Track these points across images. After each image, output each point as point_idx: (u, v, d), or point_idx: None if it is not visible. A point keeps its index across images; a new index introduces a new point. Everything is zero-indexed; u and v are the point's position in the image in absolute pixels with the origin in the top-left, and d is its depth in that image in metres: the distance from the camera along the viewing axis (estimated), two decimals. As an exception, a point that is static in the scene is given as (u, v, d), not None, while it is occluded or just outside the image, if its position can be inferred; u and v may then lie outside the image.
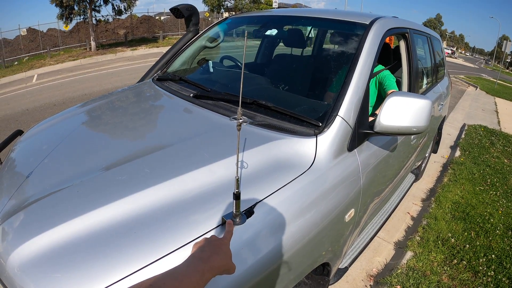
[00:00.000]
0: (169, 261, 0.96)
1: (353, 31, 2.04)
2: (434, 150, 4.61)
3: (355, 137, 1.62)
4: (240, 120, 0.86)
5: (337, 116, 1.56)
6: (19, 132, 2.02)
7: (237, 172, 0.92)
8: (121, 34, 24.32)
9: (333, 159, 1.49)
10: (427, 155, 4.15)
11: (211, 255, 0.76)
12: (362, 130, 1.66)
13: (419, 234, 3.00)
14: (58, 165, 1.44)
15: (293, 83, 2.18)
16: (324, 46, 2.95)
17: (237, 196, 1.01)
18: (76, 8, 19.14)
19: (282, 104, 1.69)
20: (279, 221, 1.20)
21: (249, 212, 1.12)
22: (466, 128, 6.74)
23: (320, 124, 1.54)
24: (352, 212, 1.60)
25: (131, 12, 22.90)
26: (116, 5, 20.91)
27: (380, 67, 2.75)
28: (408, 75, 2.46)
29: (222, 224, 1.07)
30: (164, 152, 1.42)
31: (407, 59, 2.45)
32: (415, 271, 2.52)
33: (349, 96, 1.62)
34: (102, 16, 21.75)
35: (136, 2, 21.51)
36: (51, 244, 1.01)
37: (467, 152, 5.21)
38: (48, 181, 1.32)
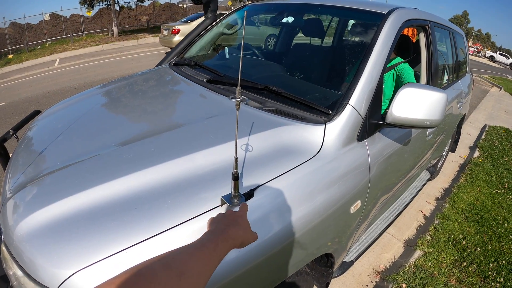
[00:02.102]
0: (173, 234, 0.99)
1: (370, 21, 1.99)
2: (452, 149, 4.51)
3: (365, 127, 1.59)
4: (239, 99, 0.85)
5: (348, 105, 1.53)
6: (37, 112, 2.07)
7: (236, 152, 0.91)
8: (144, 21, 24.54)
9: (341, 147, 1.47)
10: (444, 153, 4.06)
11: (226, 227, 0.74)
12: (374, 121, 1.63)
13: (430, 233, 2.95)
14: (71, 143, 1.48)
15: (306, 71, 2.16)
16: (340, 35, 2.90)
17: (235, 177, 1.00)
18: (98, -6, 19.42)
19: (294, 91, 1.68)
20: (281, 206, 1.19)
21: (249, 195, 1.12)
22: (487, 129, 6.56)
23: (330, 112, 1.52)
24: (358, 203, 1.58)
25: (153, -1, 23.10)
26: (138, -9, 21.13)
27: (398, 59, 2.69)
28: (426, 69, 2.40)
29: (221, 204, 1.07)
30: (172, 133, 1.43)
31: (426, 53, 2.39)
32: (423, 271, 2.48)
33: (361, 85, 1.58)
34: (125, 2, 22.00)
35: (159, -11, 21.71)
36: (57, 216, 1.04)
37: (486, 154, 5.08)
38: (59, 157, 1.36)
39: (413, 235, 3.05)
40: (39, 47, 19.88)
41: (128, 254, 0.93)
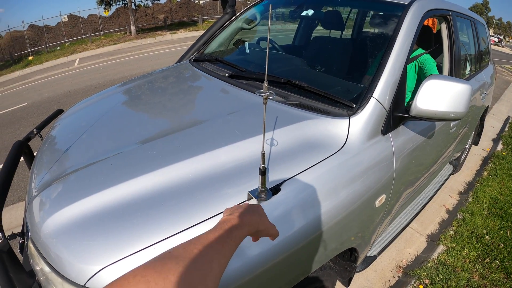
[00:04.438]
0: (199, 230, 0.99)
1: (391, 12, 1.95)
2: (475, 142, 4.40)
3: (389, 120, 1.57)
4: (266, 94, 0.85)
5: (372, 98, 1.51)
6: (60, 111, 2.11)
7: (263, 147, 0.91)
8: (161, 18, 24.70)
9: (366, 141, 1.45)
10: (467, 146, 3.97)
11: (240, 213, 0.71)
12: (398, 114, 1.60)
13: (453, 228, 2.90)
14: (94, 141, 1.50)
15: (328, 64, 2.14)
16: (361, 27, 2.86)
17: (263, 172, 1.00)
18: (115, -7, 19.62)
19: (316, 85, 1.67)
20: (306, 201, 1.18)
21: (276, 189, 1.12)
22: (510, 120, 6.38)
23: (354, 105, 1.50)
24: (383, 197, 1.56)
25: (169, -3, 23.18)
26: (154, -11, 21.24)
27: (420, 50, 2.64)
28: (449, 60, 2.34)
29: (248, 199, 1.07)
30: (196, 128, 1.44)
31: (448, 43, 2.33)
32: (446, 266, 2.44)
33: (385, 78, 1.56)
34: (141, 1, 22.16)
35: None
36: (83, 213, 1.06)
37: (510, 146, 4.94)
38: (84, 155, 1.38)
39: (436, 230, 3.00)
40: (58, 48, 20.32)
41: (156, 250, 0.93)
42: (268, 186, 1.11)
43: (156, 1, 22.64)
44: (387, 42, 1.71)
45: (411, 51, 1.73)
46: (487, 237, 2.78)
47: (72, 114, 1.97)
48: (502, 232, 2.88)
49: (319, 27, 2.81)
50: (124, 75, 10.11)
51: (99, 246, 0.95)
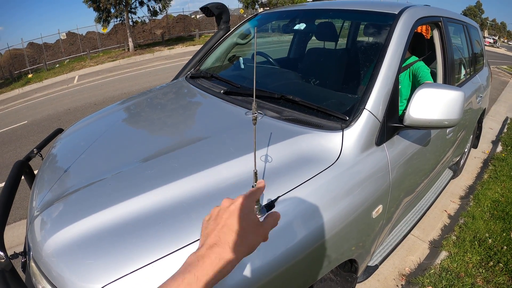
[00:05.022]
0: (195, 248, 0.99)
1: (381, 22, 1.98)
2: (474, 145, 4.40)
3: (383, 131, 1.58)
4: (255, 114, 0.87)
5: (365, 110, 1.52)
6: (60, 130, 2.14)
7: (255, 166, 0.93)
8: (158, 34, 24.97)
9: (360, 153, 1.46)
10: (466, 150, 3.97)
11: (208, 239, 0.61)
12: (391, 124, 1.61)
13: (455, 233, 2.89)
14: (94, 160, 1.52)
15: (321, 76, 2.16)
16: (353, 38, 2.89)
17: None
18: (112, 11, 19.80)
19: (310, 99, 1.68)
20: (303, 215, 1.19)
21: (270, 206, 1.13)
22: (509, 121, 6.38)
23: (347, 118, 1.51)
24: (380, 208, 1.56)
25: (166, 13, 23.40)
26: (151, 6, 21.44)
27: (413, 58, 2.66)
28: (443, 66, 2.37)
29: None
30: (192, 147, 1.46)
31: (441, 49, 2.36)
32: (449, 272, 2.42)
33: (377, 89, 1.58)
34: (138, 17, 22.36)
35: (171, 2, 21.99)
36: (84, 232, 1.07)
37: (509, 148, 4.93)
38: (84, 175, 1.40)
39: (438, 236, 2.99)
40: (57, 65, 20.49)
41: (154, 268, 0.95)
42: (264, 202, 1.12)
43: (152, 17, 22.87)
44: (379, 53, 1.73)
45: (403, 60, 1.75)
46: (490, 240, 2.76)
47: (72, 133, 1.99)
48: (504, 234, 2.86)
49: (314, 38, 2.85)
50: (123, 91, 10.17)
51: (100, 265, 0.97)
